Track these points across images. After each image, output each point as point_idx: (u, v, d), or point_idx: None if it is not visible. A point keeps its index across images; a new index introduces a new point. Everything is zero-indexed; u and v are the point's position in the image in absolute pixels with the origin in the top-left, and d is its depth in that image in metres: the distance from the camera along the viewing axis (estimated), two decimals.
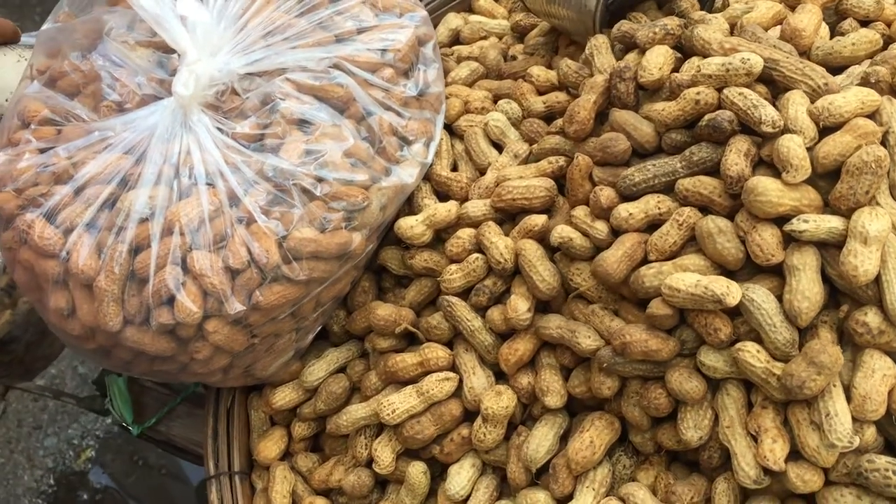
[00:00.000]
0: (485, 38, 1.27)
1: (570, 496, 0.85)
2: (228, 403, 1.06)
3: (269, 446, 1.03)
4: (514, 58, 1.20)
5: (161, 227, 0.88)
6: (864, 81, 0.85)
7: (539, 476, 0.89)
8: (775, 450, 0.76)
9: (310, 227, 0.89)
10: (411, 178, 0.99)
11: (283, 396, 1.03)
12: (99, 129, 0.92)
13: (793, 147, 0.78)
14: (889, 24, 0.94)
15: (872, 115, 0.81)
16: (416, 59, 1.03)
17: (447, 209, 0.99)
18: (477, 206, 0.99)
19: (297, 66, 0.95)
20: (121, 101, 0.94)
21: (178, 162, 0.90)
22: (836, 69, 0.90)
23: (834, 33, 0.96)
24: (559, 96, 1.05)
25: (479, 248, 0.96)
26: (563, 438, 0.90)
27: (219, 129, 0.92)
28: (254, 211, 0.88)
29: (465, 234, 0.97)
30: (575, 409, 0.92)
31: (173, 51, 0.94)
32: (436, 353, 0.95)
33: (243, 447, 1.05)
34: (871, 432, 0.75)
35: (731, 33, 0.97)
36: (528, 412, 0.94)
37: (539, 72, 1.09)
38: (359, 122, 0.96)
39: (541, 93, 1.09)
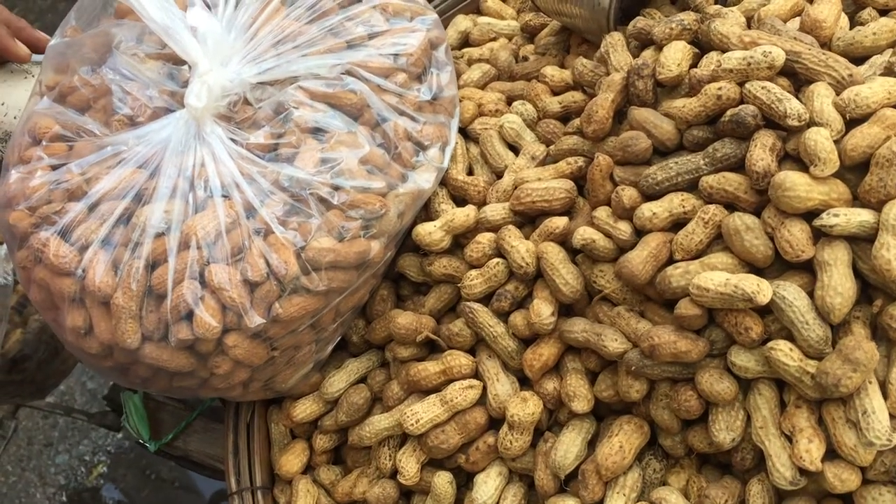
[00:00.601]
0: (494, 39, 1.26)
1: (601, 502, 0.84)
2: (248, 418, 1.04)
3: (291, 460, 1.01)
4: (525, 58, 1.18)
5: (177, 241, 0.86)
6: (888, 71, 0.83)
7: (568, 483, 0.87)
8: (811, 450, 0.74)
9: (328, 236, 0.88)
10: (428, 183, 0.98)
11: (304, 409, 1.01)
12: (111, 144, 0.91)
13: (820, 140, 0.77)
14: None
15: None
16: (428, 62, 1.01)
17: (465, 214, 0.97)
18: (496, 210, 0.97)
19: (310, 74, 0.94)
20: (132, 115, 0.93)
21: (192, 175, 0.89)
22: (857, 60, 0.88)
23: (853, 23, 0.94)
24: (575, 96, 1.04)
25: (500, 252, 0.95)
26: (591, 444, 0.88)
27: (232, 140, 0.90)
28: (271, 222, 0.87)
29: (485, 238, 0.96)
30: (602, 414, 0.91)
31: (184, 62, 0.92)
32: (458, 360, 0.93)
33: (264, 462, 1.03)
34: None
35: (748, 26, 0.96)
36: (554, 418, 0.92)
37: (553, 72, 1.08)
38: (373, 128, 0.95)
39: (555, 93, 1.08)
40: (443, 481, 0.92)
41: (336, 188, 0.89)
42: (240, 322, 0.86)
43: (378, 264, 0.95)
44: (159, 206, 0.87)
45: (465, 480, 0.95)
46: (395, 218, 0.93)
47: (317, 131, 0.92)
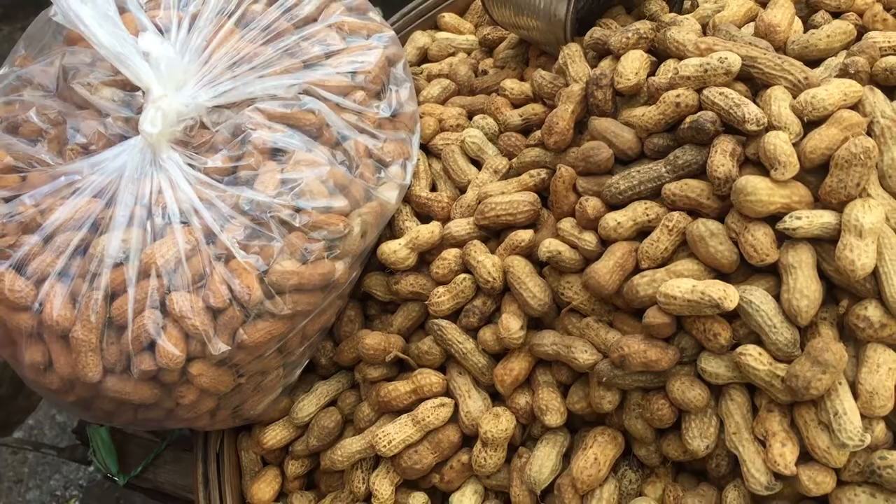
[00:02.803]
0: (453, 54, 1.26)
1: None
2: (217, 447, 1.02)
3: (263, 488, 0.99)
4: (485, 72, 1.18)
5: (136, 270, 0.85)
6: (843, 73, 0.84)
7: (544, 498, 0.87)
8: (785, 454, 0.74)
9: (291, 259, 0.87)
10: (391, 200, 0.97)
11: (274, 435, 1.00)
12: (65, 174, 0.89)
13: (779, 144, 0.77)
14: (861, 14, 0.93)
15: (855, 107, 0.81)
16: (387, 79, 1.01)
17: (430, 230, 0.96)
18: (460, 226, 0.96)
19: (266, 95, 0.93)
20: (87, 143, 0.91)
21: (150, 202, 0.87)
22: (812, 62, 0.89)
23: (807, 26, 0.95)
24: (535, 108, 1.03)
25: (466, 268, 0.94)
26: (566, 457, 0.87)
27: (190, 164, 0.89)
28: (232, 247, 0.85)
29: (450, 254, 0.95)
30: (575, 426, 0.90)
31: (138, 88, 0.91)
32: (429, 378, 0.92)
33: (236, 491, 1.01)
34: (880, 428, 0.73)
35: (704, 33, 0.96)
36: (527, 433, 0.92)
37: (512, 85, 1.08)
38: (334, 147, 0.94)
39: (516, 106, 1.07)
40: (418, 503, 0.90)
41: (297, 210, 0.88)
42: (204, 350, 0.84)
43: (343, 285, 0.94)
44: (117, 236, 0.85)
45: (440, 501, 0.94)
46: (358, 237, 0.92)
47: (276, 152, 0.91)
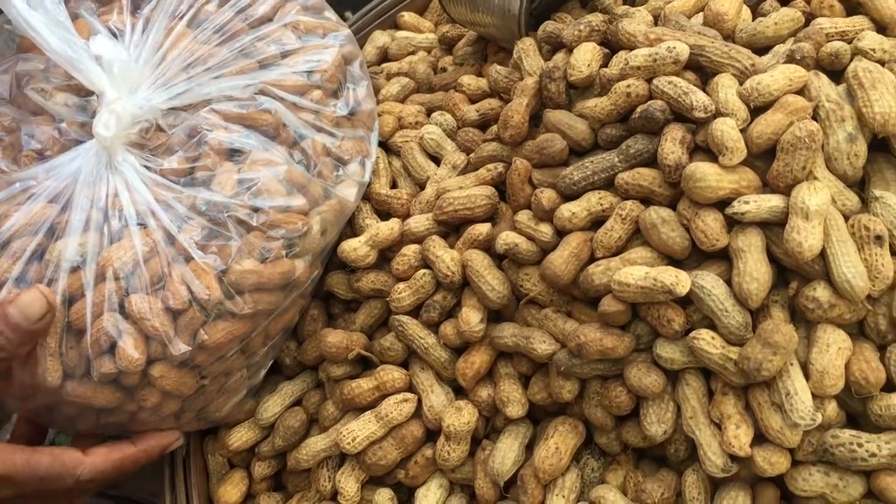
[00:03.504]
0: (413, 52, 1.26)
1: None
2: (184, 451, 1.01)
3: (230, 490, 0.99)
4: (444, 70, 1.19)
5: (94, 273, 0.84)
6: (790, 59, 0.85)
7: (508, 489, 0.87)
8: (739, 435, 0.75)
9: (250, 258, 0.87)
10: (350, 198, 0.97)
11: (240, 437, 0.99)
12: (20, 180, 0.88)
13: (726, 130, 0.78)
14: (808, 2, 0.94)
15: (801, 92, 0.82)
16: (343, 78, 1.01)
17: (389, 227, 0.97)
18: (419, 222, 0.97)
19: (222, 96, 0.92)
20: (41, 149, 0.91)
21: (106, 205, 0.87)
22: (761, 50, 0.90)
23: (756, 14, 0.96)
24: (492, 103, 1.04)
25: (426, 263, 0.94)
26: (529, 448, 0.88)
27: (146, 167, 0.89)
28: (189, 248, 0.85)
29: (410, 251, 0.95)
30: (538, 417, 0.91)
31: (92, 92, 0.91)
32: (391, 374, 0.93)
33: (203, 494, 1.01)
34: (832, 407, 0.74)
35: (656, 24, 0.97)
36: (490, 425, 0.92)
37: (469, 80, 1.08)
38: (291, 146, 0.94)
39: (473, 101, 1.08)
40: (384, 499, 0.91)
41: (255, 209, 0.88)
42: (165, 351, 0.84)
43: (305, 283, 0.94)
44: (73, 240, 0.85)
45: (407, 496, 0.94)
46: (318, 235, 0.92)
47: (233, 153, 0.90)
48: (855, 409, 0.76)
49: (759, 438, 0.76)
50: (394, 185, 1.06)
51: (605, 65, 0.94)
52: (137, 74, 0.91)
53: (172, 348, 0.84)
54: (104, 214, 0.87)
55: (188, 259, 0.85)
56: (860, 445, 0.72)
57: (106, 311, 0.83)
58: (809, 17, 0.93)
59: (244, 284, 0.86)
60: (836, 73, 0.85)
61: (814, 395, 0.73)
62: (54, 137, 0.91)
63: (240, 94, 0.93)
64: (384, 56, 1.28)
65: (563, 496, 0.83)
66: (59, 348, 0.84)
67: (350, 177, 0.97)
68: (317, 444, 0.94)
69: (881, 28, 0.91)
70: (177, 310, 0.84)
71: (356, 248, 0.97)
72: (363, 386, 0.93)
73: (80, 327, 0.84)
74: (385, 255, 0.99)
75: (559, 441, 0.84)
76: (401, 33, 1.29)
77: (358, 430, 0.90)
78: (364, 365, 0.99)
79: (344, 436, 0.90)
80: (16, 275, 0.84)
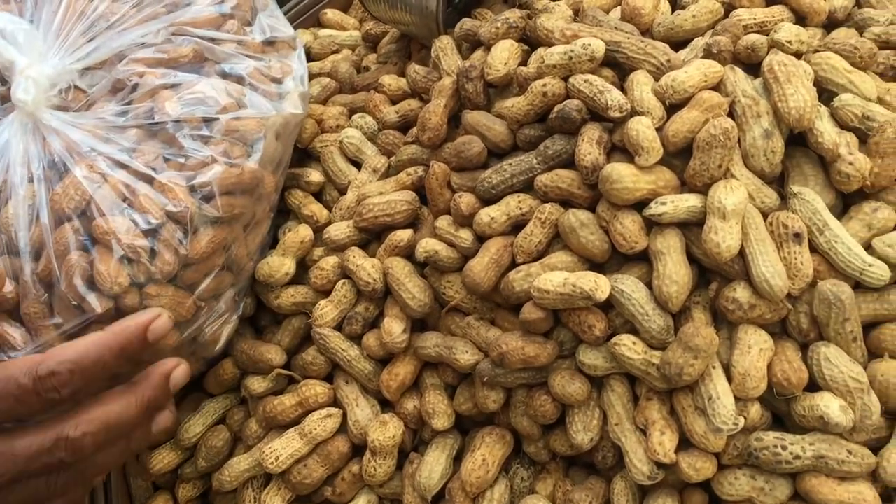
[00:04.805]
0: (337, 51, 1.23)
1: None
2: (104, 476, 0.97)
3: None
4: (367, 69, 1.15)
5: (51, 221, 0.80)
6: (707, 53, 0.83)
7: (438, 503, 0.85)
8: (664, 442, 0.73)
9: (215, 165, 0.83)
10: (297, 108, 0.95)
11: (161, 459, 0.96)
12: None
13: (641, 129, 0.76)
14: None
15: (717, 87, 0.80)
16: (253, 5, 0.99)
17: (298, 233, 0.94)
18: (339, 229, 0.94)
19: (136, 45, 0.89)
20: None
21: (44, 164, 0.82)
22: (680, 44, 0.89)
23: (676, 7, 0.94)
24: (412, 104, 1.01)
25: (346, 274, 0.91)
26: (458, 459, 0.86)
27: (78, 121, 0.85)
28: (148, 170, 0.82)
29: (328, 263, 0.92)
30: (467, 427, 0.88)
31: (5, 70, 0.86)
32: (314, 389, 0.90)
33: None
34: (755, 409, 0.73)
35: (575, 19, 0.95)
36: (418, 437, 0.89)
37: (390, 81, 1.05)
38: (224, 77, 0.91)
39: (394, 102, 1.05)
40: None
41: (206, 120, 0.85)
42: (149, 271, 0.80)
43: (271, 193, 0.93)
44: (18, 200, 0.81)
45: None
46: (274, 140, 0.90)
47: (170, 87, 0.87)
48: (780, 409, 0.75)
49: (685, 443, 0.74)
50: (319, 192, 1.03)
51: (524, 63, 0.91)
52: (42, 42, 0.87)
53: (158, 265, 0.80)
54: (43, 166, 0.82)
55: (151, 180, 0.82)
56: (784, 448, 0.70)
57: (73, 250, 0.80)
58: (729, 9, 0.91)
59: (215, 190, 0.83)
60: (755, 67, 0.83)
61: (737, 398, 0.72)
62: None
63: (154, 40, 0.90)
64: (307, 56, 1.23)
65: None
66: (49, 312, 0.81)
67: (292, 91, 0.95)
68: (240, 464, 0.91)
69: (800, 18, 0.89)
70: (154, 227, 0.80)
71: (269, 262, 0.94)
72: (285, 402, 0.90)
73: (50, 281, 0.80)
74: (307, 265, 0.96)
75: (486, 452, 0.82)
76: (324, 31, 1.25)
77: (281, 449, 0.87)
78: (290, 380, 0.96)
79: (267, 455, 0.87)
80: None
